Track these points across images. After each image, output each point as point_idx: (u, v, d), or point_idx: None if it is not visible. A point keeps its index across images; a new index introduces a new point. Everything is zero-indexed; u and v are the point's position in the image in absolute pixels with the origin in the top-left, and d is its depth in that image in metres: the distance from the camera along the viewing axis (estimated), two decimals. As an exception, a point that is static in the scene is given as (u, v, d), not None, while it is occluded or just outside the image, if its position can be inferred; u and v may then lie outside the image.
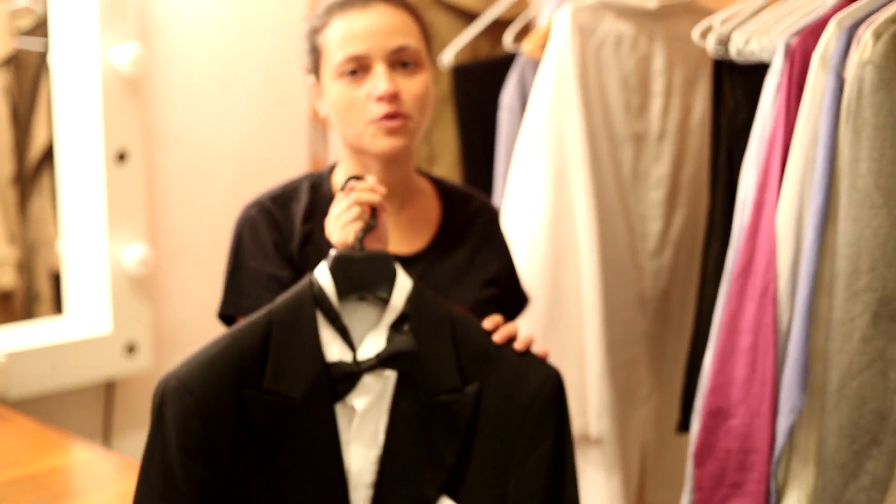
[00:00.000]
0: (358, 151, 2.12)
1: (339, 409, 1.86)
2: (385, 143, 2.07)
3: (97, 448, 2.71)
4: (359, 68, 2.07)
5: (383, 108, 2.04)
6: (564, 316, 2.63)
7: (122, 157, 3.15)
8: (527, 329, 2.53)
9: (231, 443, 1.82)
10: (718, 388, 2.28)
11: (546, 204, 2.62)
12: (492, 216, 2.29)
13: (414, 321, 1.88)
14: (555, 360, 2.55)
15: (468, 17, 3.11)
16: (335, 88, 2.09)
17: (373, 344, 1.86)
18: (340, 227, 1.93)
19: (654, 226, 2.80)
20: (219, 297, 2.21)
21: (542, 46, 2.70)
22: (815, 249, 2.16)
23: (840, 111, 2.11)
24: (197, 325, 3.31)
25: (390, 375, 1.86)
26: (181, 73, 3.32)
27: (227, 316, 2.18)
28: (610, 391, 2.65)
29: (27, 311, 3.54)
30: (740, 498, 2.29)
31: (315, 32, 2.13)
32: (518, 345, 1.94)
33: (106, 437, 3.22)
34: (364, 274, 1.88)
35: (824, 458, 2.15)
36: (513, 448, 1.90)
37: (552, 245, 2.62)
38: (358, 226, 1.92)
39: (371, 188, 1.94)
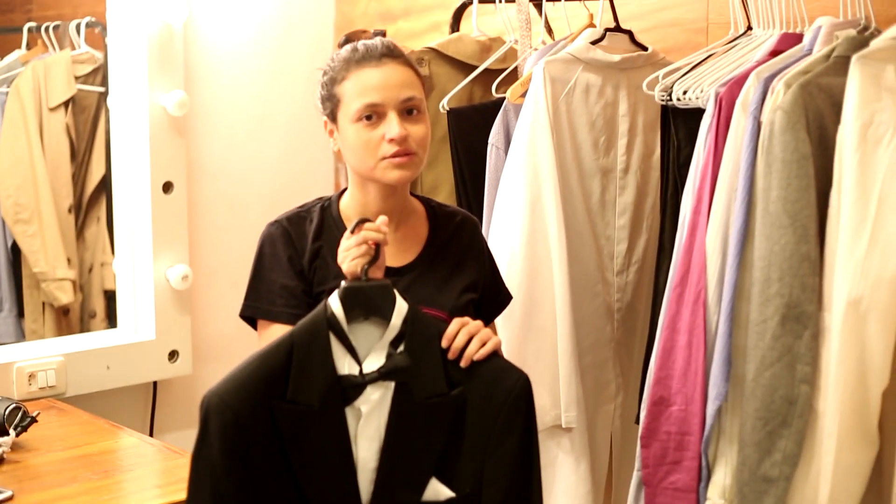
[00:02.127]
0: (364, 180, 2.40)
1: (349, 412, 2.11)
2: (395, 175, 2.35)
3: (142, 435, 2.91)
4: (374, 114, 2.33)
5: (394, 148, 2.32)
6: (539, 323, 2.80)
7: (167, 187, 3.40)
8: (507, 333, 2.76)
9: (263, 443, 2.08)
10: (660, 380, 2.52)
11: (523, 226, 2.79)
12: (472, 227, 2.52)
13: (409, 339, 2.13)
14: (530, 361, 2.76)
15: (465, 67, 3.24)
16: (353, 130, 2.35)
17: (375, 359, 2.12)
18: (350, 259, 2.20)
19: (619, 247, 2.98)
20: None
21: (523, 94, 2.88)
22: (737, 263, 2.40)
23: (757, 148, 2.36)
24: (230, 337, 3.53)
25: (389, 384, 2.13)
26: (220, 115, 3.56)
27: (246, 316, 2.46)
28: (578, 388, 2.80)
29: (82, 324, 3.76)
30: (678, 473, 2.51)
31: (334, 82, 2.38)
32: (476, 345, 2.16)
33: (150, 431, 3.44)
34: (369, 299, 2.14)
35: (743, 438, 2.37)
36: (489, 438, 2.14)
37: (528, 262, 2.79)
38: (365, 260, 2.19)
39: (377, 229, 2.21)
